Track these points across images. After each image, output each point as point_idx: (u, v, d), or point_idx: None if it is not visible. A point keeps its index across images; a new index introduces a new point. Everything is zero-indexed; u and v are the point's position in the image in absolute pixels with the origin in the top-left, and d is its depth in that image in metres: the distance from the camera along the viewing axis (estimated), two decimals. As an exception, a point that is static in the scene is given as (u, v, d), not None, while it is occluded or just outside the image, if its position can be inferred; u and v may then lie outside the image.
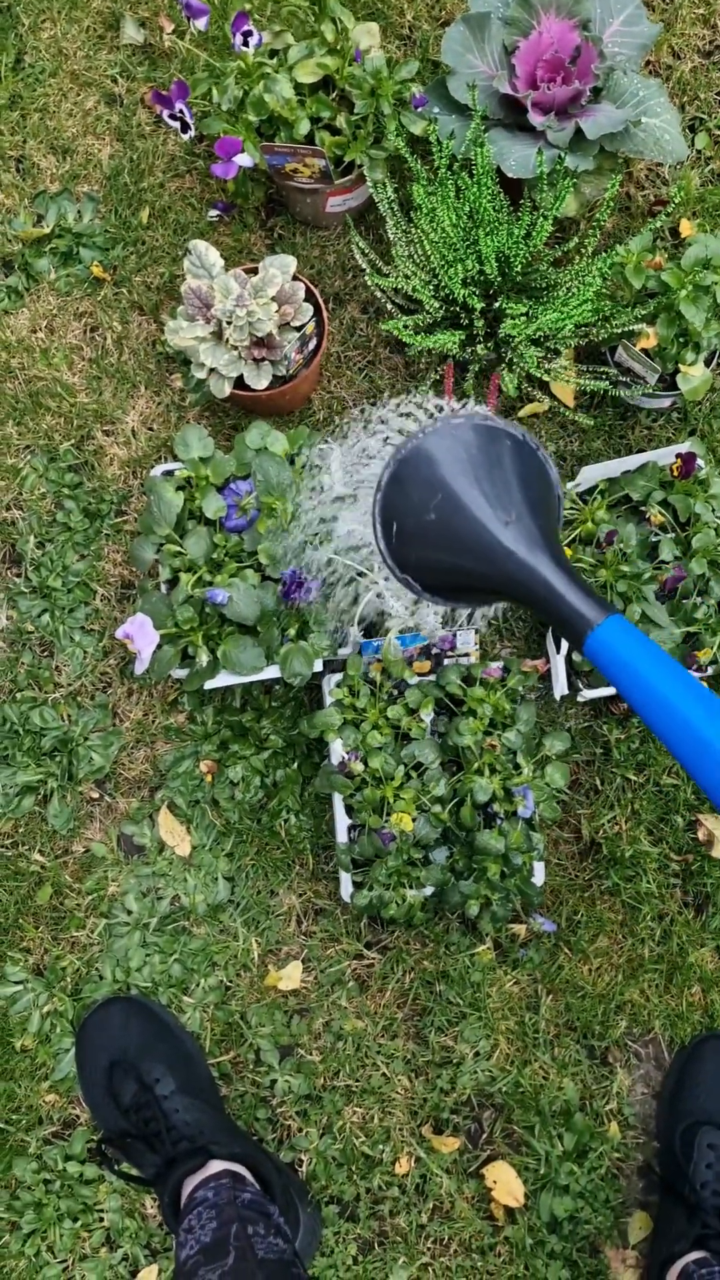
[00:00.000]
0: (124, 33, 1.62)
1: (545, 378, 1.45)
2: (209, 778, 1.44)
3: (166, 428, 1.53)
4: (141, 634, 1.27)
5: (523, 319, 1.38)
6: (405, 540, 0.95)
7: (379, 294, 1.49)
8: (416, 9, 1.63)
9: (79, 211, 1.59)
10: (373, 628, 1.35)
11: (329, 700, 1.35)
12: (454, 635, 1.31)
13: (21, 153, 1.61)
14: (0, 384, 1.54)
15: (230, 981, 1.40)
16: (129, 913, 1.41)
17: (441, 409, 1.26)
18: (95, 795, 1.45)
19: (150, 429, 1.53)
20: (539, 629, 1.48)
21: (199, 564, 1.34)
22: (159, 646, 1.30)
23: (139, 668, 1.28)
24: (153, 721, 1.46)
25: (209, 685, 1.32)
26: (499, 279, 1.40)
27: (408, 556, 0.95)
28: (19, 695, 1.46)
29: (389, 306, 1.49)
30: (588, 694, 1.37)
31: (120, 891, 1.42)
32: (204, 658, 1.30)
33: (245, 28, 1.32)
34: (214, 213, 1.56)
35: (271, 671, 1.32)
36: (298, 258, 1.54)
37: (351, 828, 1.35)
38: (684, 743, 0.79)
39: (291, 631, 1.32)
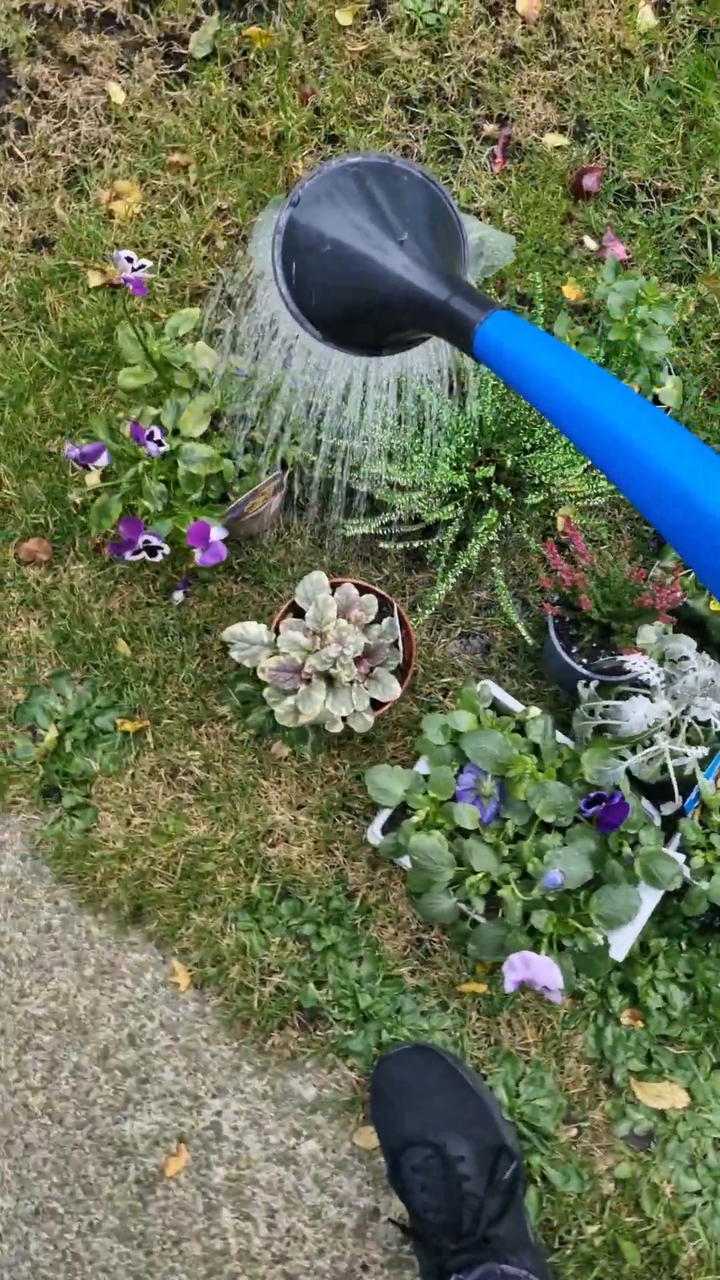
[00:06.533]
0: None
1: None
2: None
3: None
4: (541, 971, 1.17)
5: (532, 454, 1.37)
6: (305, 277, 0.96)
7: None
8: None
9: (63, 696, 1.46)
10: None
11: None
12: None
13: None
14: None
15: None
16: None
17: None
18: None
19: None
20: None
21: (493, 874, 1.25)
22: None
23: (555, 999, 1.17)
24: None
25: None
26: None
27: (309, 297, 0.96)
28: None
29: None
30: None
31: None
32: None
33: (149, 432, 1.25)
34: (178, 594, 1.46)
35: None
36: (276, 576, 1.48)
37: None
38: (572, 421, 0.77)
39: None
